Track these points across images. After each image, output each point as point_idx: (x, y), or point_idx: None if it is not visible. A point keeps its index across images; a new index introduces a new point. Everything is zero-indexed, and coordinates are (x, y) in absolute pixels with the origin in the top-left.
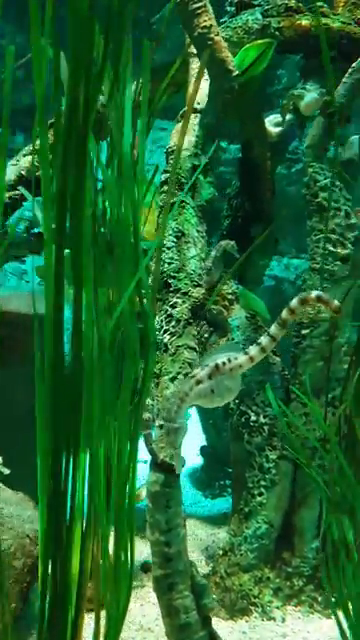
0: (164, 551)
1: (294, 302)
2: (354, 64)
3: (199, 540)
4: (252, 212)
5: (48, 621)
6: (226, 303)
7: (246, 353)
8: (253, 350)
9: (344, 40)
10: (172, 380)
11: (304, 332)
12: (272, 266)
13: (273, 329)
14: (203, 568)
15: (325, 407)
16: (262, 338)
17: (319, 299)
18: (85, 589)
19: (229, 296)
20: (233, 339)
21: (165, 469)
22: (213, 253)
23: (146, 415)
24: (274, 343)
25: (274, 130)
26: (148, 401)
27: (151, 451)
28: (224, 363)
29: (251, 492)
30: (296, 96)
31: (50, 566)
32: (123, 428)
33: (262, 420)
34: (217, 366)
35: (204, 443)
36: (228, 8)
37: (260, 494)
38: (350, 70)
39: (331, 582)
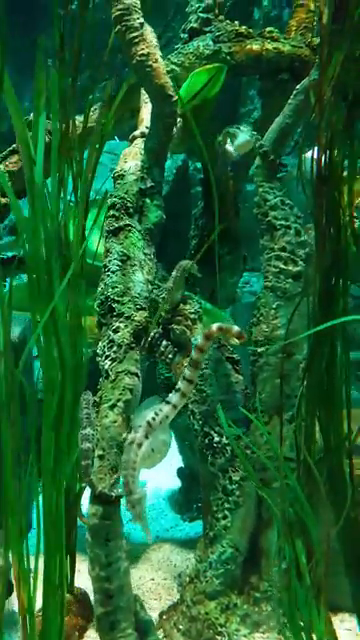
0: (105, 587)
1: (200, 340)
2: (298, 86)
3: (173, 566)
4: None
5: None
6: (189, 323)
7: (168, 402)
8: (174, 398)
9: (296, 62)
10: (111, 408)
11: (260, 350)
12: (252, 282)
13: (187, 372)
14: (174, 596)
15: (281, 425)
16: (179, 383)
17: (220, 329)
18: None
19: (192, 315)
20: None
21: (104, 501)
22: (174, 273)
23: (85, 445)
24: (192, 385)
25: (232, 150)
26: (88, 430)
27: (90, 483)
28: (153, 418)
29: (215, 516)
30: (231, 134)
31: None
32: None
33: (225, 441)
34: (149, 423)
35: (181, 465)
36: (182, 35)
37: (224, 517)
38: (294, 92)
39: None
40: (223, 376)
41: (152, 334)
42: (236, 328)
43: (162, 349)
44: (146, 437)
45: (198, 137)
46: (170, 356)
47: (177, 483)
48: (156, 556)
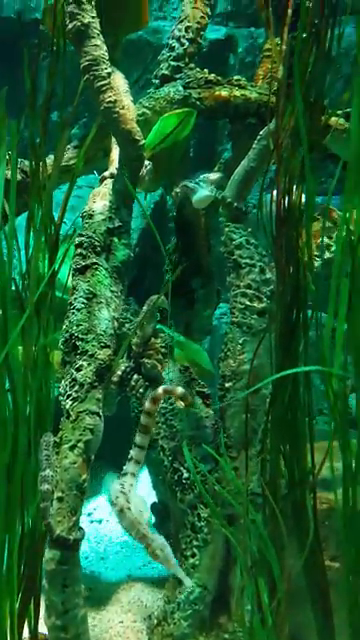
0: (61, 637)
1: (147, 404)
2: (261, 132)
3: (144, 607)
4: (190, 267)
5: None
6: (160, 357)
7: (126, 473)
8: (130, 467)
9: (263, 108)
10: (72, 449)
11: (227, 385)
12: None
13: (138, 439)
14: None
15: (246, 461)
16: (132, 451)
17: (166, 392)
18: None
19: (162, 350)
20: None
21: (62, 545)
22: (144, 308)
23: (44, 487)
24: (144, 451)
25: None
26: (48, 472)
27: (47, 526)
28: (123, 486)
29: (184, 554)
30: (189, 188)
31: None
32: None
33: (197, 476)
34: (123, 492)
35: (155, 500)
36: (154, 80)
37: (193, 555)
38: (258, 137)
39: None
40: (193, 411)
41: (123, 368)
42: (180, 390)
43: (133, 383)
44: (127, 502)
45: (170, 177)
46: (141, 390)
47: (151, 519)
48: (127, 596)
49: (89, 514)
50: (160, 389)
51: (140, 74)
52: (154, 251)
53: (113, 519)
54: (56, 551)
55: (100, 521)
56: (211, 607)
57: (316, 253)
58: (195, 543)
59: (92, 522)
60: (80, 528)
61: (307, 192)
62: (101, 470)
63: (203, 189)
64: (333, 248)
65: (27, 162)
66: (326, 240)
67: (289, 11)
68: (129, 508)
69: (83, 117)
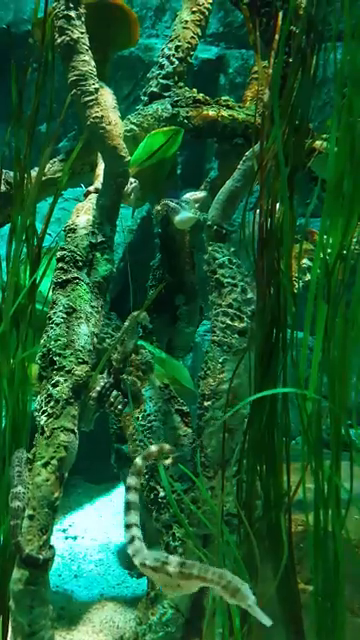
0: None
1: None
2: (247, 152)
3: (116, 628)
4: (174, 283)
5: None
6: (140, 374)
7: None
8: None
9: (250, 129)
10: (45, 465)
11: (206, 404)
12: None
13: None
14: None
15: (222, 481)
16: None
17: (146, 458)
18: None
19: (142, 366)
20: (145, 410)
21: (30, 564)
22: (126, 324)
23: (15, 504)
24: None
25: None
26: (19, 488)
27: (16, 545)
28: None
29: None
30: (171, 208)
31: None
32: None
33: (172, 496)
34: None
35: None
36: (142, 97)
37: None
38: (244, 158)
39: None
40: (171, 429)
41: (102, 384)
42: (153, 448)
43: (112, 399)
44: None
45: (156, 193)
46: (120, 407)
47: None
48: (99, 616)
49: (64, 530)
50: (138, 460)
51: (131, 90)
52: (139, 266)
53: (88, 536)
54: (24, 571)
55: (75, 538)
56: (183, 629)
57: (297, 275)
58: None
59: (67, 538)
60: (51, 546)
61: (287, 214)
62: (78, 486)
63: (185, 210)
64: None
65: (12, 173)
66: (308, 262)
67: (276, 36)
68: (165, 562)
69: (72, 130)
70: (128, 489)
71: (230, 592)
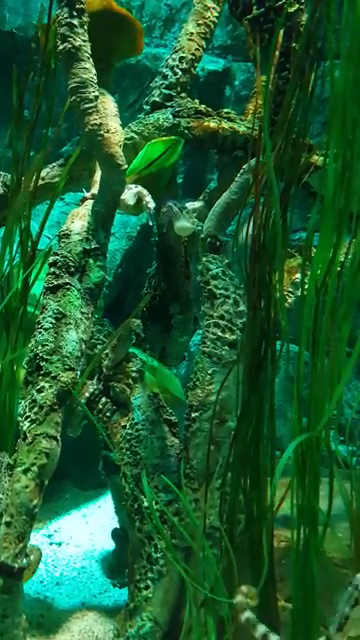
0: None
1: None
2: (245, 165)
3: (95, 638)
4: (169, 292)
5: None
6: (130, 381)
7: None
8: None
9: (250, 142)
10: (25, 472)
11: (194, 415)
12: None
13: None
14: None
15: (206, 494)
16: None
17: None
18: None
19: (133, 374)
20: (133, 419)
21: (5, 572)
22: (118, 331)
23: None
24: None
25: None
26: None
27: None
28: None
29: (138, 585)
30: (174, 213)
31: None
32: None
33: (154, 506)
34: None
35: (117, 525)
36: (145, 106)
37: (146, 587)
38: (241, 171)
39: None
40: (159, 439)
41: (91, 390)
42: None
43: (100, 406)
44: None
45: (155, 202)
46: (108, 414)
47: (112, 545)
48: (78, 626)
49: (49, 536)
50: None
51: (136, 98)
52: (137, 273)
53: (73, 542)
54: None
55: (60, 544)
56: None
57: (290, 289)
58: (150, 575)
59: (51, 544)
60: (39, 549)
61: (280, 229)
62: (66, 491)
63: (184, 220)
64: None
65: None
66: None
67: (276, 53)
68: None
69: (77, 135)
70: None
71: None
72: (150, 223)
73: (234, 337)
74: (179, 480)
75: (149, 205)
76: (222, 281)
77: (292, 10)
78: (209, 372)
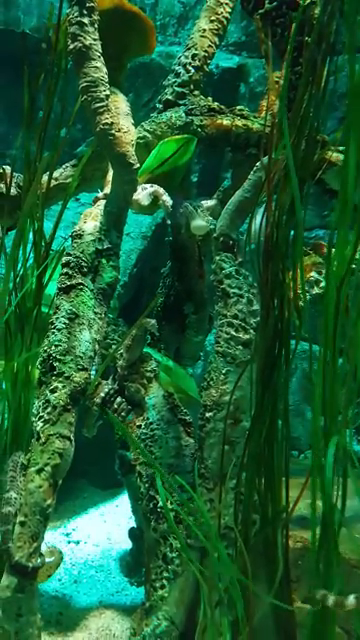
0: None
1: None
2: (257, 163)
3: (112, 636)
4: (183, 292)
5: None
6: (144, 381)
7: None
8: None
9: (264, 139)
10: (39, 472)
11: (208, 415)
12: None
13: None
14: None
15: (220, 494)
16: None
17: None
18: None
19: (148, 374)
20: (148, 418)
21: (19, 572)
22: (134, 331)
23: (6, 509)
24: None
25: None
26: (11, 494)
27: (6, 551)
28: None
29: (153, 585)
30: (190, 212)
31: None
32: None
33: (169, 506)
34: None
35: (134, 525)
36: (157, 105)
37: (162, 587)
38: (254, 168)
39: None
40: (173, 439)
41: (107, 390)
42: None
43: (115, 406)
44: None
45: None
46: (123, 414)
47: (129, 544)
48: (96, 624)
49: (68, 534)
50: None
51: (151, 97)
52: (152, 273)
53: (91, 541)
54: (13, 578)
55: (78, 542)
56: None
57: (306, 287)
58: (165, 574)
59: (69, 542)
60: (60, 551)
61: (296, 227)
62: (84, 490)
63: (199, 218)
64: (322, 284)
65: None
66: (316, 275)
67: (288, 47)
68: None
69: (91, 135)
70: None
71: None
72: (168, 222)
73: (248, 336)
74: (194, 480)
75: (167, 204)
76: (235, 280)
77: (305, 3)
78: (223, 372)
